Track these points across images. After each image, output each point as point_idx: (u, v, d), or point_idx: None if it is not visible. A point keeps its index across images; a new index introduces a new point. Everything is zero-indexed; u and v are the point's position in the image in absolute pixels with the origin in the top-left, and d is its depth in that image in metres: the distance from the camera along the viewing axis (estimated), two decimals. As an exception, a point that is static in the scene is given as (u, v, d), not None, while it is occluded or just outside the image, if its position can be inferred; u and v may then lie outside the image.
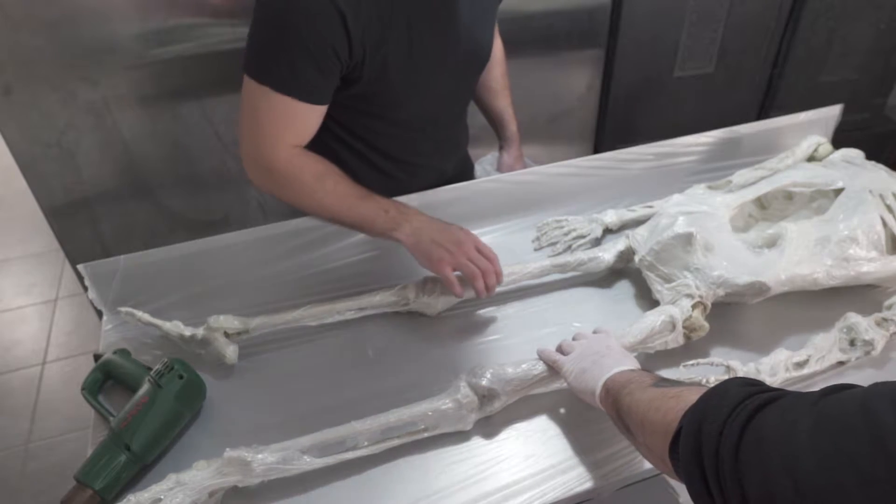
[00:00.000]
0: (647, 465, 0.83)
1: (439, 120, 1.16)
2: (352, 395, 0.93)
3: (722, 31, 1.88)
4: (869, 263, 0.99)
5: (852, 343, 0.94)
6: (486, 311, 1.07)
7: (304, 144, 1.02)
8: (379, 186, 1.06)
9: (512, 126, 1.35)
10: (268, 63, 0.93)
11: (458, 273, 0.99)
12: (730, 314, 1.02)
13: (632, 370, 0.78)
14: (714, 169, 1.31)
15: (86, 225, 1.54)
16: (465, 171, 1.35)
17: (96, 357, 0.96)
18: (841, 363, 0.94)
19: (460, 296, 1.01)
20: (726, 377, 0.87)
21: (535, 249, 1.19)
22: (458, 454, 0.85)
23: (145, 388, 0.87)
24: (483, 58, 1.14)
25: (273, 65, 0.93)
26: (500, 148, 1.36)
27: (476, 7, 1.05)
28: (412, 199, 1.15)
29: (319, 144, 1.06)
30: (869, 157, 1.21)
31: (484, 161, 1.39)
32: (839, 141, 1.32)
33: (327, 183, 1.01)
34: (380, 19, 0.93)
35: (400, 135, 1.13)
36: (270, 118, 0.97)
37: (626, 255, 1.10)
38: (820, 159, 1.26)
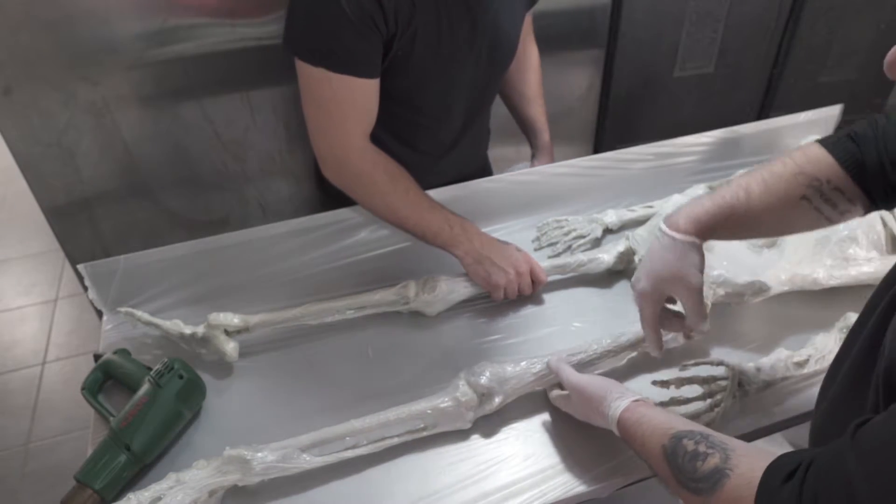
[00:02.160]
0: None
1: (459, 112, 1.16)
2: (352, 394, 0.93)
3: (722, 31, 1.88)
4: (869, 263, 0.99)
5: (852, 343, 0.95)
6: (486, 311, 1.07)
7: (370, 129, 1.02)
8: None
9: (544, 135, 1.34)
10: (318, 42, 0.93)
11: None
12: (730, 314, 1.02)
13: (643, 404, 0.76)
14: (714, 169, 1.31)
15: (86, 225, 1.53)
16: (485, 172, 1.35)
17: (96, 357, 0.96)
18: (841, 363, 0.94)
19: (501, 299, 1.04)
20: (727, 375, 0.87)
21: (535, 249, 1.19)
22: (457, 454, 0.85)
23: (145, 388, 0.87)
24: (508, 52, 1.14)
25: (325, 43, 0.92)
26: (532, 157, 1.36)
27: (505, 3, 1.05)
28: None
29: None
30: (869, 156, 1.21)
31: (513, 169, 1.37)
32: (839, 141, 1.32)
33: (399, 186, 1.02)
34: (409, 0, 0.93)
35: (419, 122, 1.13)
36: (336, 103, 0.97)
37: (626, 256, 1.10)
38: (820, 159, 1.26)
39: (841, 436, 0.50)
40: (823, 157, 0.75)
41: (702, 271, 0.78)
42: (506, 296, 1.04)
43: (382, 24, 0.93)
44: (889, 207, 0.75)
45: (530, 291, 1.05)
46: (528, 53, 1.32)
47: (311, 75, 0.95)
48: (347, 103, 0.98)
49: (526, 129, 1.36)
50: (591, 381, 0.81)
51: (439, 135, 1.18)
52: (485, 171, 1.37)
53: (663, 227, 0.79)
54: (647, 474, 0.84)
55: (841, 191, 0.74)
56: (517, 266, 1.02)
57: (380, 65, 0.98)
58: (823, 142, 0.77)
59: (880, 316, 0.56)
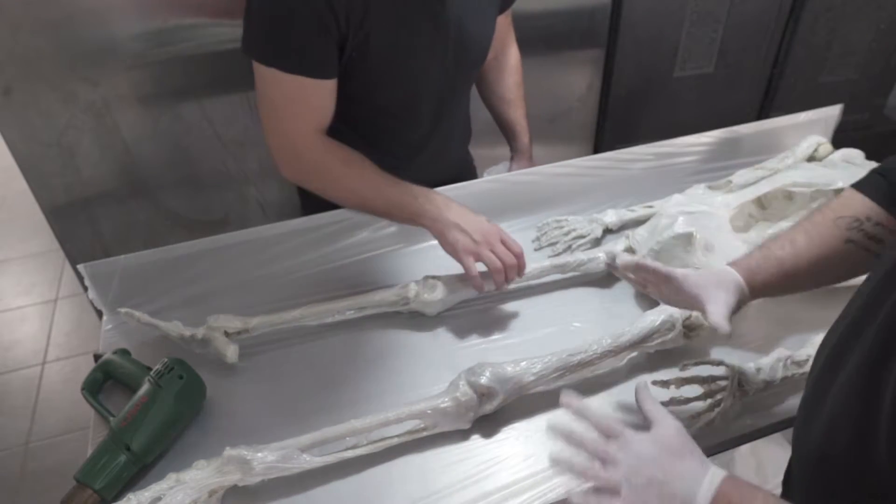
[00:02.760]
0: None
1: (427, 114, 1.14)
2: (352, 394, 0.93)
3: (722, 31, 1.88)
4: (869, 263, 0.99)
5: (852, 343, 0.94)
6: (486, 311, 1.07)
7: (325, 126, 1.02)
8: None
9: (524, 138, 1.33)
10: (271, 43, 0.94)
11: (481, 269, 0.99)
12: (730, 314, 1.02)
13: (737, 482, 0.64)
14: (714, 169, 1.31)
15: (86, 225, 1.53)
16: (463, 173, 1.34)
17: (96, 357, 0.96)
18: (841, 363, 0.94)
19: (481, 289, 1.01)
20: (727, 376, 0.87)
21: (535, 249, 1.19)
22: (457, 454, 0.85)
23: (145, 388, 0.87)
24: (477, 54, 1.13)
25: (276, 45, 0.93)
26: (511, 158, 1.35)
27: (471, 1, 1.05)
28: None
29: None
30: (869, 157, 1.22)
31: (493, 170, 1.37)
32: (839, 141, 1.32)
33: (355, 168, 1.03)
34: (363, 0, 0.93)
35: (385, 124, 1.13)
36: (289, 102, 0.98)
37: (626, 255, 1.10)
38: (820, 159, 1.26)
39: (853, 435, 0.50)
40: (857, 198, 0.78)
41: (729, 310, 0.78)
42: (495, 280, 0.99)
43: (334, 25, 0.93)
44: None
45: (514, 264, 0.99)
46: (508, 55, 1.30)
47: (264, 76, 0.96)
48: (299, 103, 0.98)
49: (505, 132, 1.35)
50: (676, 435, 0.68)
51: (407, 136, 1.17)
52: (465, 171, 1.35)
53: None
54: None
55: (882, 225, 0.75)
56: (487, 235, 0.99)
57: (335, 65, 0.98)
58: (855, 185, 0.80)
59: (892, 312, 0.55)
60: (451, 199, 1.05)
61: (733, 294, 0.79)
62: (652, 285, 0.87)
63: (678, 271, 0.81)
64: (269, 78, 0.96)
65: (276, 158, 1.04)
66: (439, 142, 1.21)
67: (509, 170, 1.34)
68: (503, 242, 1.00)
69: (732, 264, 0.81)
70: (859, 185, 0.79)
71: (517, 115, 1.32)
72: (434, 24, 1.01)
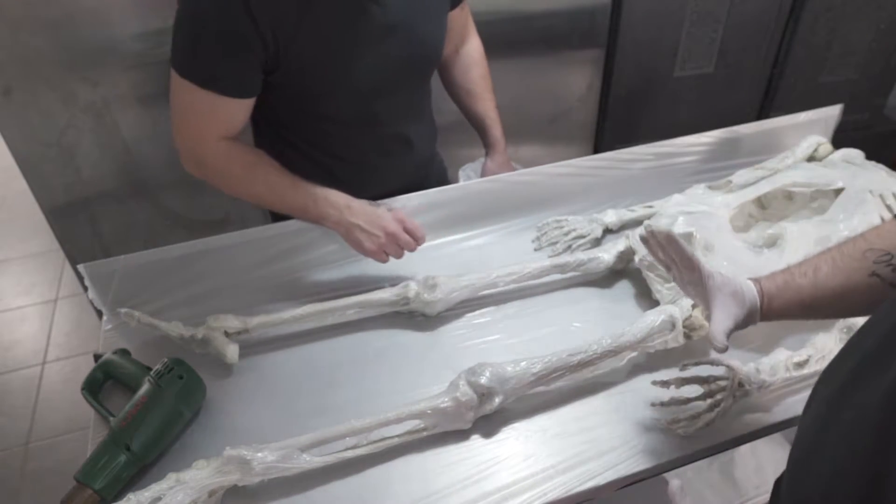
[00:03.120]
0: (647, 465, 0.83)
1: (386, 116, 1.12)
2: (352, 395, 0.93)
3: (722, 31, 1.88)
4: (869, 263, 0.99)
5: (852, 343, 0.94)
6: (486, 311, 1.07)
7: (233, 136, 1.02)
8: (329, 187, 1.06)
9: (494, 130, 1.29)
10: (188, 58, 0.94)
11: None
12: (730, 314, 1.02)
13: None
14: (714, 169, 1.31)
15: (86, 225, 1.54)
16: (431, 175, 1.31)
17: (96, 357, 0.96)
18: (841, 363, 0.94)
19: (386, 261, 1.06)
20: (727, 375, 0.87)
21: (535, 249, 1.19)
22: (457, 454, 0.85)
23: (145, 388, 0.87)
24: (429, 54, 1.11)
25: (193, 60, 0.94)
26: (486, 154, 1.32)
27: (415, 3, 1.03)
28: (412, 199, 1.15)
29: (266, 147, 1.07)
30: (869, 157, 1.21)
31: (468, 168, 1.35)
32: (839, 141, 1.32)
33: (258, 172, 1.03)
34: (295, 9, 0.92)
35: (338, 132, 1.11)
36: (196, 113, 0.98)
37: (626, 256, 1.10)
38: (820, 159, 1.26)
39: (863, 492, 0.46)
40: (892, 225, 0.73)
41: (733, 325, 0.76)
42: (390, 254, 1.05)
43: (258, 44, 0.92)
44: None
45: (413, 248, 1.05)
46: (469, 49, 1.27)
47: (178, 83, 0.96)
48: (207, 115, 0.98)
49: (475, 126, 1.31)
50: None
51: (364, 142, 1.15)
52: (435, 171, 1.33)
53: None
54: (647, 475, 0.84)
55: None
56: (385, 227, 1.03)
57: (254, 84, 0.98)
58: None
59: None
60: (351, 198, 1.05)
61: (744, 311, 0.76)
62: (674, 266, 0.84)
63: (705, 267, 0.80)
64: (183, 87, 0.95)
65: (180, 156, 1.04)
66: (404, 144, 1.19)
67: (484, 165, 1.31)
68: (406, 230, 1.05)
69: (756, 281, 0.78)
70: None
71: (485, 107, 1.29)
72: (375, 30, 0.99)
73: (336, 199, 1.04)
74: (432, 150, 1.31)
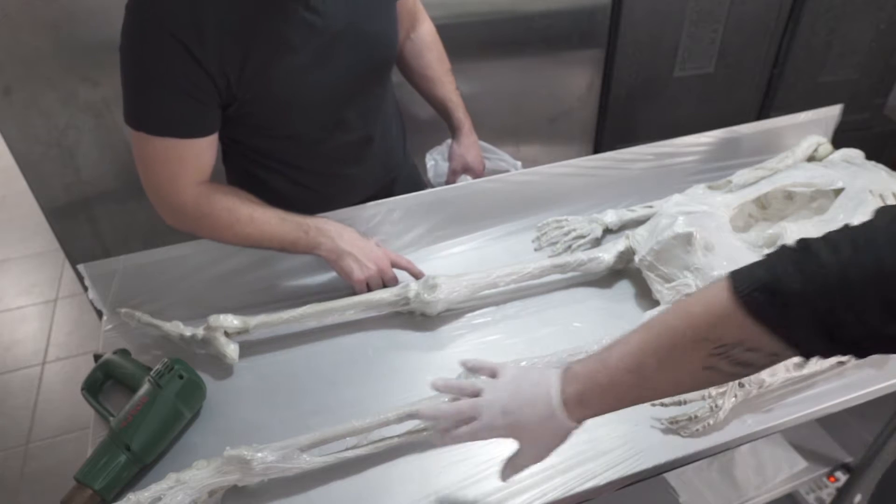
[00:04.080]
0: (647, 465, 0.83)
1: (349, 124, 1.11)
2: (352, 395, 0.93)
3: (722, 31, 1.88)
4: (869, 263, 0.99)
5: (852, 343, 0.94)
6: (486, 311, 1.07)
7: (205, 178, 1.00)
8: (307, 201, 1.06)
9: (457, 112, 1.29)
10: (138, 109, 0.94)
11: None
12: (730, 314, 1.02)
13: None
14: (714, 169, 1.31)
15: (86, 225, 1.53)
16: (403, 174, 1.30)
17: (96, 357, 0.96)
18: (841, 363, 0.94)
19: (364, 292, 1.06)
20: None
21: (535, 249, 1.19)
22: (458, 454, 0.85)
23: (145, 388, 0.87)
24: (383, 52, 1.09)
25: (143, 110, 0.93)
26: (452, 137, 1.31)
27: (358, 4, 1.01)
28: (410, 200, 1.15)
29: (237, 169, 1.06)
30: (869, 157, 1.21)
31: (434, 152, 1.35)
32: (839, 141, 1.32)
33: (242, 213, 1.00)
34: (237, 41, 0.91)
35: (304, 146, 1.10)
36: (163, 163, 0.97)
37: (626, 256, 1.10)
38: (820, 159, 1.26)
39: None
40: (731, 311, 0.58)
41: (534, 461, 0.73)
42: (369, 288, 1.06)
43: (206, 81, 0.91)
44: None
45: (395, 284, 1.07)
46: (421, 32, 1.26)
47: (138, 139, 0.95)
48: (175, 163, 0.97)
49: (438, 110, 1.31)
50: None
51: (338, 150, 1.13)
52: (408, 170, 1.33)
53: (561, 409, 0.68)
54: (648, 475, 0.84)
55: (757, 350, 0.59)
56: (378, 262, 1.05)
57: (212, 120, 0.97)
58: (735, 284, 0.59)
59: None
60: (343, 225, 1.06)
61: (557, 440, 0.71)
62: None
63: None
64: (143, 141, 0.94)
65: (160, 212, 1.03)
66: (375, 145, 1.17)
67: (451, 148, 1.31)
68: (394, 264, 1.07)
69: (563, 392, 0.68)
70: (741, 293, 0.57)
71: (445, 90, 1.28)
72: (323, 42, 0.98)
73: (327, 228, 1.04)
74: (403, 145, 1.30)
